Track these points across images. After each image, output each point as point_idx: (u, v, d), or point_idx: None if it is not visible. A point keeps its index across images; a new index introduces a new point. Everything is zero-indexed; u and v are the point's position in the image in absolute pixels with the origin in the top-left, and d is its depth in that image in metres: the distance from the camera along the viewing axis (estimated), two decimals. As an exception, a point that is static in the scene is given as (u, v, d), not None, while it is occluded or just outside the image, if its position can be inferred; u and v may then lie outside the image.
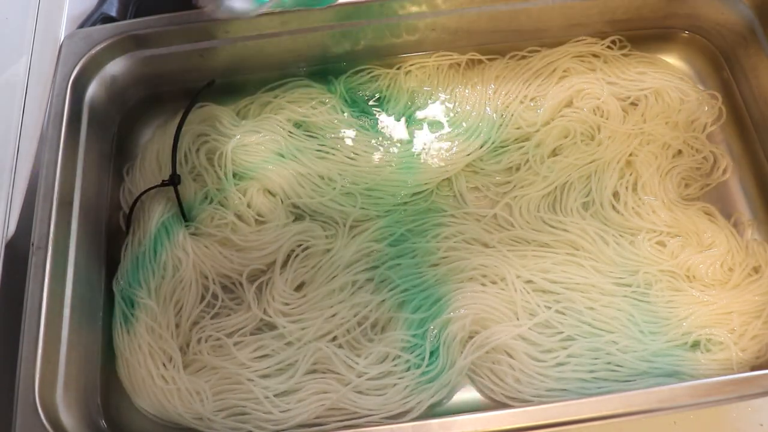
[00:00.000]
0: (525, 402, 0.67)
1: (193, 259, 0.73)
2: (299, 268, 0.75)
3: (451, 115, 0.84)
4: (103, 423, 0.68)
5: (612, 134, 0.80)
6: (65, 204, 0.70)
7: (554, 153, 0.81)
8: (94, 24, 0.81)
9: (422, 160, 0.80)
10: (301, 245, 0.76)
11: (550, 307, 0.71)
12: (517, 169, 0.81)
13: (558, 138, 0.81)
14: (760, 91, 0.81)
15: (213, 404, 0.67)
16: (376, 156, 0.80)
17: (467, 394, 0.70)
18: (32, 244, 0.66)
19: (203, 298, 0.74)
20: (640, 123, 0.81)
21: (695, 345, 0.70)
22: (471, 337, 0.70)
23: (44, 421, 0.60)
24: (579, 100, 0.83)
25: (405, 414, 0.67)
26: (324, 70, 0.86)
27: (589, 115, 0.81)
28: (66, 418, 0.63)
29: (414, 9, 0.81)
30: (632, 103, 0.84)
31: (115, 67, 0.80)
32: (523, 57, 0.86)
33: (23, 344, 0.62)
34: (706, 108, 0.82)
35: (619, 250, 0.74)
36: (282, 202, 0.78)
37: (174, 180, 0.75)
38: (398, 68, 0.86)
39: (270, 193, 0.79)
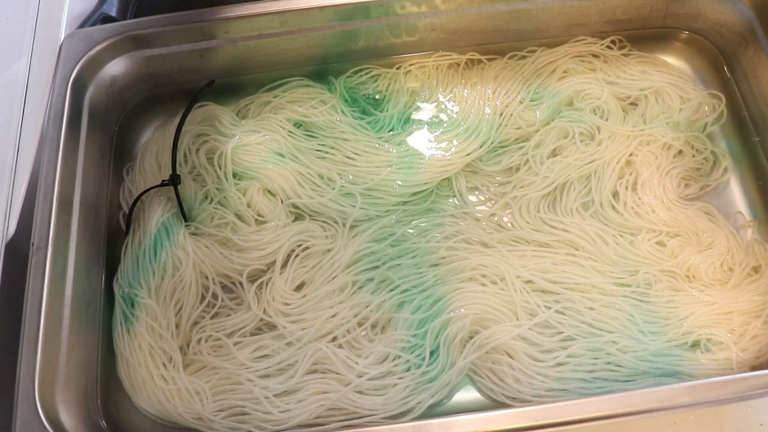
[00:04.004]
0: (525, 402, 0.67)
1: (193, 259, 0.73)
2: (299, 268, 0.75)
3: (451, 114, 0.84)
4: (103, 423, 0.68)
5: (612, 134, 0.80)
6: (65, 204, 0.70)
7: (554, 153, 0.81)
8: (94, 24, 0.81)
9: (422, 160, 0.80)
10: (301, 245, 0.76)
11: (549, 307, 0.71)
12: (517, 169, 0.81)
13: (558, 138, 0.81)
14: (760, 91, 0.81)
15: (213, 404, 0.67)
16: (376, 156, 0.80)
17: (467, 394, 0.70)
18: (32, 244, 0.66)
19: (203, 298, 0.74)
20: (640, 123, 0.81)
21: (695, 345, 0.70)
22: (471, 337, 0.70)
23: (44, 421, 0.60)
24: (579, 100, 0.83)
25: (405, 414, 0.67)
26: (324, 70, 0.86)
27: (589, 115, 0.81)
28: (66, 418, 0.63)
29: (414, 9, 0.81)
30: (632, 103, 0.84)
31: (115, 67, 0.80)
32: (523, 57, 0.86)
33: (23, 344, 0.62)
34: (707, 108, 0.82)
35: (618, 250, 0.74)
36: (282, 202, 0.78)
37: (174, 180, 0.75)
38: (398, 68, 0.86)
39: (270, 193, 0.79)
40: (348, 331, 0.71)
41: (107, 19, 0.82)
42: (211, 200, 0.78)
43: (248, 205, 0.77)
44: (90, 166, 0.75)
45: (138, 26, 0.78)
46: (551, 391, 0.67)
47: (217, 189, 0.78)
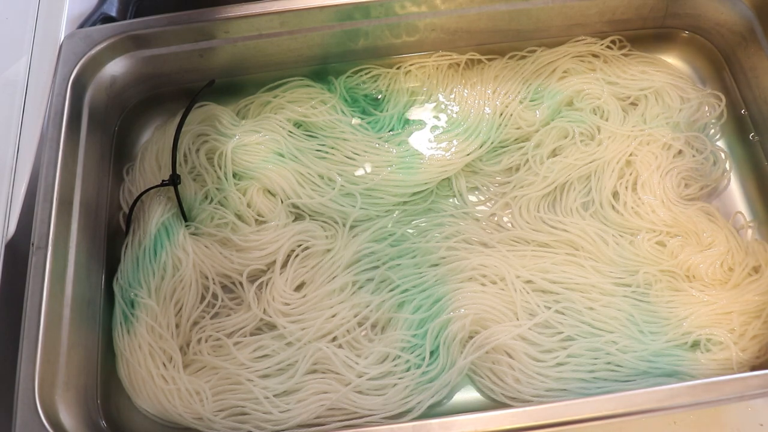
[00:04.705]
0: (525, 402, 0.67)
1: (193, 259, 0.73)
2: (299, 268, 0.75)
3: (451, 114, 0.84)
4: (103, 423, 0.68)
5: (612, 134, 0.80)
6: (65, 204, 0.70)
7: (554, 153, 0.81)
8: (94, 24, 0.81)
9: (422, 160, 0.80)
10: (301, 245, 0.76)
11: (549, 307, 0.71)
12: (517, 169, 0.81)
13: (558, 138, 0.81)
14: (760, 91, 0.81)
15: (213, 404, 0.67)
16: (376, 156, 0.80)
17: (467, 394, 0.70)
18: (32, 244, 0.66)
19: (203, 298, 0.74)
20: (640, 123, 0.81)
21: (695, 345, 0.70)
22: (471, 337, 0.70)
23: (44, 421, 0.60)
24: (579, 100, 0.83)
25: (405, 414, 0.67)
26: (324, 70, 0.86)
27: (589, 115, 0.81)
28: (66, 418, 0.63)
29: (414, 9, 0.81)
30: (632, 103, 0.84)
31: (115, 67, 0.80)
32: (523, 57, 0.86)
33: (23, 344, 0.62)
34: (707, 108, 0.82)
35: (618, 250, 0.74)
36: (282, 202, 0.78)
37: (174, 180, 0.75)
38: (398, 68, 0.86)
39: (270, 193, 0.79)
40: (348, 331, 0.71)
41: (107, 19, 0.82)
42: (211, 200, 0.78)
43: (248, 205, 0.77)
44: (90, 166, 0.75)
45: (138, 26, 0.78)
46: (551, 391, 0.67)
47: (217, 189, 0.78)
